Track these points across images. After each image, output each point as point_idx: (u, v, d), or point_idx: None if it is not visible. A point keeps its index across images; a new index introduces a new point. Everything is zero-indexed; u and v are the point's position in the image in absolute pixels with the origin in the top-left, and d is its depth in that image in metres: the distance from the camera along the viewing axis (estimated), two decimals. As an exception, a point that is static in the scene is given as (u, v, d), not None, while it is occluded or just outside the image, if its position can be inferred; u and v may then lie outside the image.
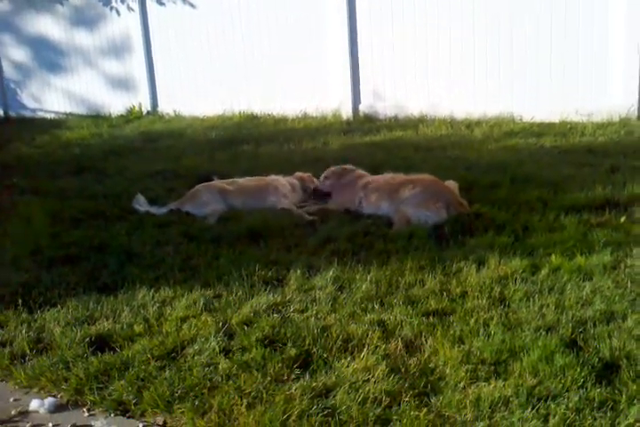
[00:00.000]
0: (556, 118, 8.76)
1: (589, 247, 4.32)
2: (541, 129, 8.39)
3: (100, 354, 3.37)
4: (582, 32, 8.66)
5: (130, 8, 11.93)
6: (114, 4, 12.13)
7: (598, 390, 2.82)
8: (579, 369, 2.93)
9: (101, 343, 3.49)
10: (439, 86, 9.70)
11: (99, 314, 3.81)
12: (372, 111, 10.17)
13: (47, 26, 12.91)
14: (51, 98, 13.27)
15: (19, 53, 13.39)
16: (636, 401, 2.75)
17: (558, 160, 6.79)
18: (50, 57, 13.03)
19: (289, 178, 6.14)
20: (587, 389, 2.83)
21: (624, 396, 2.78)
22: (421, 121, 9.41)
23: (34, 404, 3.07)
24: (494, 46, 9.22)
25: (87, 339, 3.49)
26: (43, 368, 3.27)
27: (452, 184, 5.43)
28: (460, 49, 9.44)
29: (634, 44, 8.36)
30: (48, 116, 13.22)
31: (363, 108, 10.29)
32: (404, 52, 9.83)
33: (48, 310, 3.89)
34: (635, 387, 2.82)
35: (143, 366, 3.21)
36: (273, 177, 6.08)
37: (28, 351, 3.46)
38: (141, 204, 5.79)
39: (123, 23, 12.10)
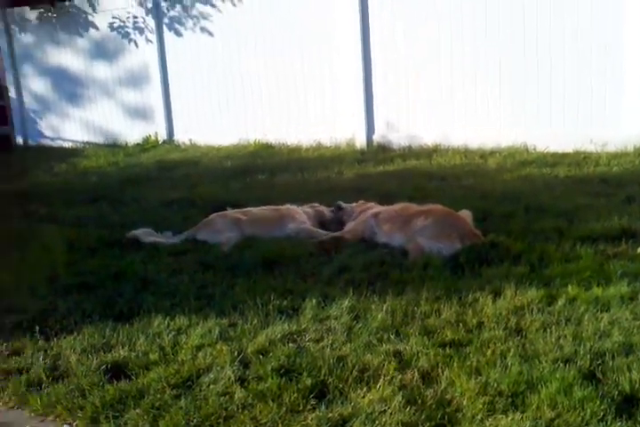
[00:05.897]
0: (570, 148, 8.76)
1: (606, 278, 4.28)
2: (555, 159, 8.40)
3: (115, 382, 3.36)
4: (596, 61, 8.71)
5: (148, 40, 12.22)
6: (132, 36, 12.43)
7: (619, 423, 2.77)
8: (598, 402, 2.89)
9: (117, 371, 3.48)
10: (452, 117, 9.78)
11: (114, 342, 3.82)
12: (386, 141, 10.25)
13: (67, 58, 13.24)
14: (69, 127, 13.53)
15: (39, 84, 13.72)
16: (657, 435, 2.71)
17: (573, 190, 6.79)
18: (69, 88, 13.33)
19: (303, 207, 6.21)
20: (607, 422, 2.78)
21: (645, 430, 2.74)
22: (435, 151, 9.46)
23: (49, 432, 3.07)
24: (507, 76, 9.32)
25: (103, 367, 3.49)
26: (59, 396, 3.27)
27: (465, 214, 5.42)
28: (473, 79, 9.54)
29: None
30: (66, 144, 13.45)
31: (376, 137, 10.38)
32: (417, 83, 9.95)
33: (64, 338, 3.91)
34: (656, 421, 2.78)
35: (159, 395, 3.21)
36: (288, 206, 6.14)
37: (44, 379, 3.46)
38: (145, 235, 5.74)
39: (141, 55, 12.40)
